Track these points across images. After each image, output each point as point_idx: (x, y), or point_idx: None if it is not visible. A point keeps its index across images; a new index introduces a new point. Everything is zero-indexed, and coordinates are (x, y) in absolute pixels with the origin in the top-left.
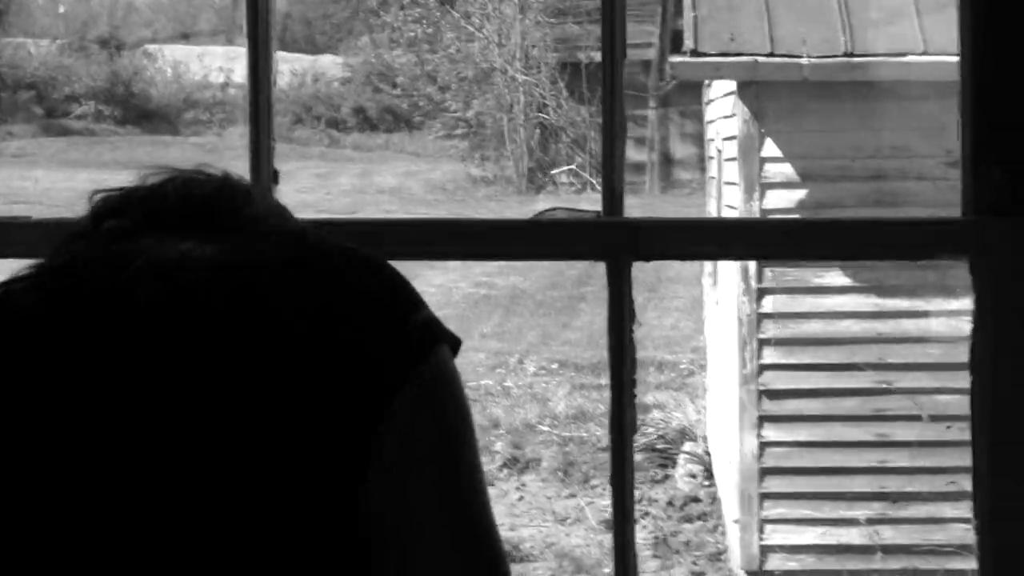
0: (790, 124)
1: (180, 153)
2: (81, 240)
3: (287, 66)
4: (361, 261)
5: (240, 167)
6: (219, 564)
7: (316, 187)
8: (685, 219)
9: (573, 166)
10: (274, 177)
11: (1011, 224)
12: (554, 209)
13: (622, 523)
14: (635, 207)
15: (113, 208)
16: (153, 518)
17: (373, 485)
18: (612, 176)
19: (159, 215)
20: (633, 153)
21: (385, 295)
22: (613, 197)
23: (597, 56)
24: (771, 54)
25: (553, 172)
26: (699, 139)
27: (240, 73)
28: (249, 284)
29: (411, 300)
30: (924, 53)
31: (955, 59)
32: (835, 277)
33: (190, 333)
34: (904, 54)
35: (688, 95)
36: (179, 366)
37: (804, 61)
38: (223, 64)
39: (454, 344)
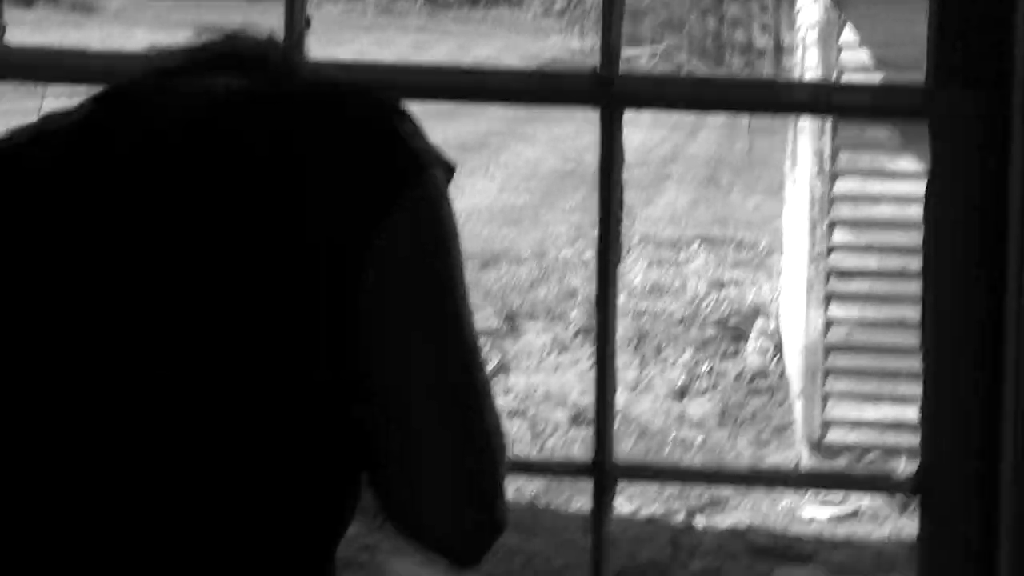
0: (871, 10)
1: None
2: (131, 84)
3: None
4: (366, 96)
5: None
6: (214, 416)
7: (412, 55)
8: (662, 75)
9: (663, 45)
10: (307, 23)
11: (968, 94)
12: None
13: (603, 358)
14: None
15: (165, 55)
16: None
17: (363, 303)
18: (609, 35)
19: (200, 61)
20: (758, 38)
21: (384, 123)
22: (610, 54)
23: None
24: None
25: (634, 53)
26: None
27: None
28: (259, 110)
29: (409, 128)
30: None
31: None
32: (908, 163)
33: (193, 155)
34: None
35: None
36: (180, 186)
37: None
38: None
39: (448, 170)
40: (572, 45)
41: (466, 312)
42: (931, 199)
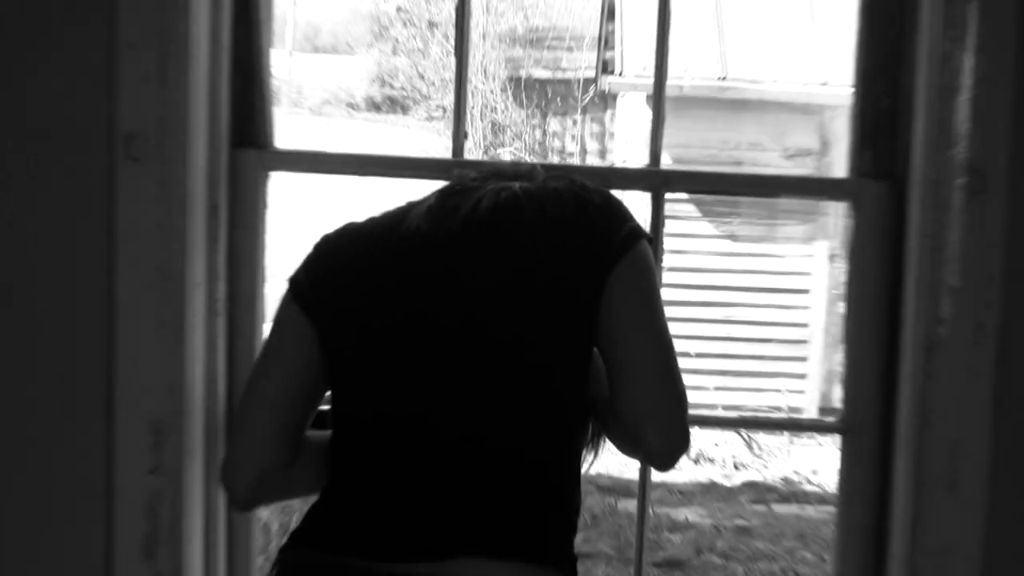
0: (681, 124)
1: None
2: (460, 184)
3: (326, 64)
4: (598, 192)
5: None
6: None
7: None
8: (705, 172)
9: (513, 148)
10: (465, 136)
11: (876, 185)
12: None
13: None
14: None
15: (474, 175)
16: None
17: (603, 308)
18: (655, 143)
19: (499, 175)
20: (569, 145)
21: (613, 210)
22: (655, 155)
23: (535, 73)
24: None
25: (499, 150)
26: (601, 139)
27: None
28: (543, 198)
29: (626, 213)
30: (775, 81)
31: (795, 86)
32: (703, 227)
33: (508, 222)
34: (760, 81)
35: (596, 107)
36: (502, 238)
37: (685, 83)
38: None
39: (650, 240)
40: (447, 143)
41: (662, 313)
42: (850, 255)
